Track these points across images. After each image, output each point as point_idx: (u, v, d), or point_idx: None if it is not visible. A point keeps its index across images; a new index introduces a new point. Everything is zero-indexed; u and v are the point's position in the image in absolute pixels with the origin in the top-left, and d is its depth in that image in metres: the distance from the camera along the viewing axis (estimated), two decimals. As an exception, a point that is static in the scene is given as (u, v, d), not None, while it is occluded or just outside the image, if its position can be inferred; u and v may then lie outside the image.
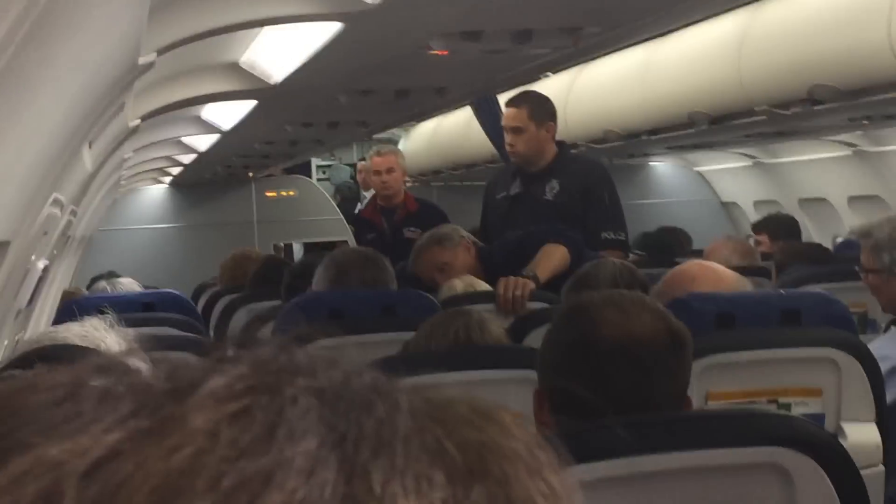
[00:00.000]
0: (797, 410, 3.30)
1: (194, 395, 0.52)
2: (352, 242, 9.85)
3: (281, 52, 4.08)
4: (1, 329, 2.66)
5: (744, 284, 3.53)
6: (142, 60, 2.18)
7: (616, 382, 2.33)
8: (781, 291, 3.98)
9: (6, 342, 3.11)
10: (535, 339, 4.05)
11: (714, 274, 3.53)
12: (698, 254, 6.75)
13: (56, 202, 2.64)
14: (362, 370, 0.55)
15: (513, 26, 3.41)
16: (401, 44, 3.51)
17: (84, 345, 2.36)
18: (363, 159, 12.61)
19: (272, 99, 4.69)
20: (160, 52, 2.53)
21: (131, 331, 2.35)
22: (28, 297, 3.14)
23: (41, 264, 3.17)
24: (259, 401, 0.51)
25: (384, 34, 3.30)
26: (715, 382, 3.20)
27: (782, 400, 3.33)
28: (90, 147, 2.94)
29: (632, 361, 2.34)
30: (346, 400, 0.53)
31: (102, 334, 2.33)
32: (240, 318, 5.60)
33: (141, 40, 1.90)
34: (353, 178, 14.09)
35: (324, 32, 3.31)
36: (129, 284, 6.12)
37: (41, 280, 3.47)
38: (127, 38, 1.72)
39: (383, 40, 3.42)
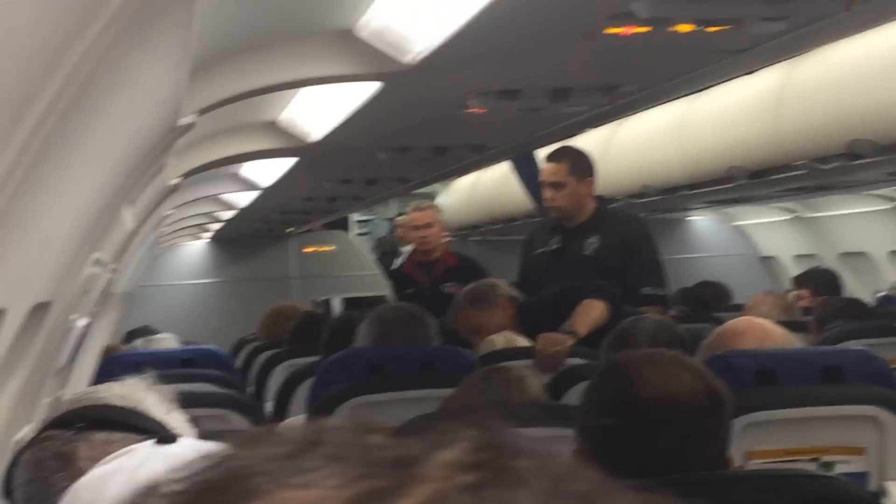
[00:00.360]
0: (840, 469, 3.26)
1: (424, 464, 0.54)
2: (391, 297, 9.86)
3: (320, 110, 4.11)
4: (40, 387, 2.67)
5: (791, 341, 3.51)
6: (182, 121, 2.21)
7: (655, 442, 2.31)
8: (822, 348, 3.95)
9: (46, 400, 3.13)
10: (574, 395, 4.04)
11: (761, 330, 3.51)
12: (739, 308, 6.72)
13: (97, 262, 2.66)
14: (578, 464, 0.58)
15: (550, 84, 3.43)
16: (439, 102, 3.53)
17: (123, 405, 2.36)
18: (401, 214, 12.65)
19: (311, 156, 4.73)
20: (201, 112, 2.56)
21: (171, 388, 2.35)
22: (68, 354, 3.16)
23: (82, 322, 3.19)
24: (490, 476, 0.53)
25: (422, 93, 3.32)
26: (756, 440, 3.18)
27: (825, 458, 3.29)
28: (131, 206, 2.97)
29: (671, 421, 2.32)
30: (567, 483, 0.54)
31: (142, 395, 2.34)
32: (279, 374, 5.61)
33: (182, 102, 1.92)
34: (391, 233, 14.13)
35: (363, 92, 3.33)
36: (165, 341, 6.14)
37: (82, 337, 3.49)
38: (168, 101, 1.74)
39: (421, 99, 3.45)
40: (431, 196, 11.58)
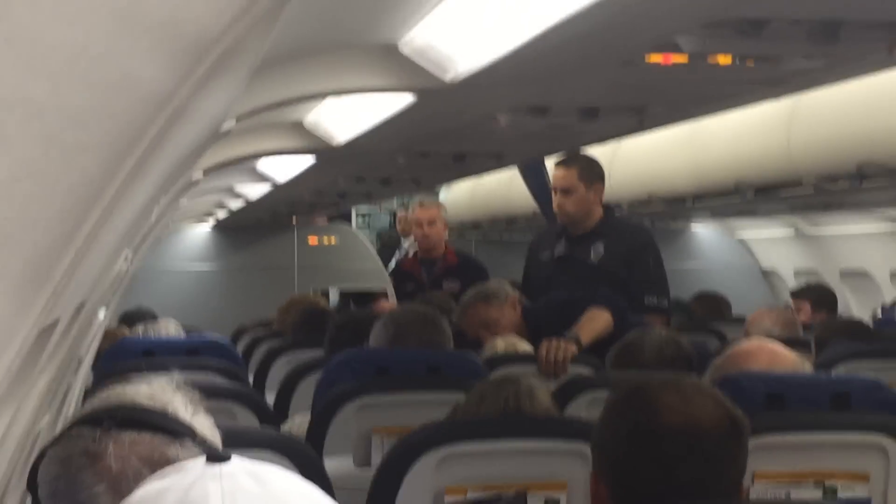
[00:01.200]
0: (844, 494, 3.29)
1: None
2: (391, 292, 9.86)
3: (347, 115, 4.11)
4: (63, 378, 2.69)
5: (802, 365, 3.52)
6: (224, 127, 2.23)
7: (678, 470, 2.33)
8: (831, 374, 3.97)
9: (62, 389, 3.14)
10: (580, 404, 4.07)
11: (771, 352, 3.53)
12: (740, 322, 6.74)
13: (125, 257, 2.68)
14: None
15: (580, 104, 3.44)
16: (469, 116, 3.55)
17: (152, 405, 2.37)
18: (403, 206, 12.64)
19: (330, 156, 4.74)
20: (239, 118, 2.58)
21: (196, 394, 2.36)
22: (89, 346, 3.18)
23: (102, 314, 3.21)
24: None
25: (454, 107, 3.33)
26: (762, 463, 3.20)
27: (829, 483, 3.31)
28: (158, 203, 2.99)
29: (693, 449, 2.34)
30: None
31: (170, 395, 2.35)
32: (280, 367, 5.62)
33: (229, 113, 1.94)
34: (391, 226, 14.13)
35: (395, 103, 3.35)
36: (166, 326, 6.12)
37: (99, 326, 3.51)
38: (221, 116, 1.76)
39: (452, 112, 3.46)
40: (435, 193, 11.58)
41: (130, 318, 7.90)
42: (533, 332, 5.18)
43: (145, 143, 0.95)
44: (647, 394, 2.44)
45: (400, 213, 11.80)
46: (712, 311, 8.36)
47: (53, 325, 1.56)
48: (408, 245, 11.83)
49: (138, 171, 1.15)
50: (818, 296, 7.76)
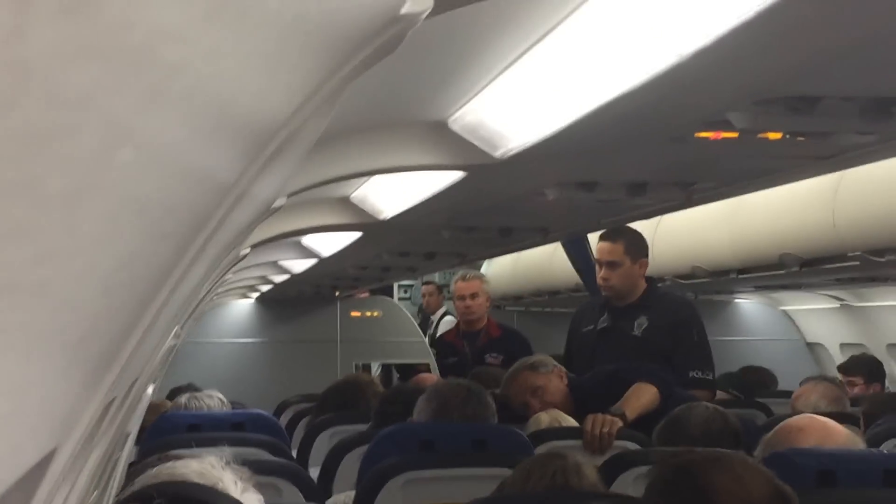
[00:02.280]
0: (899, 574, 3.24)
1: None
2: (433, 365, 9.85)
3: (394, 191, 4.13)
4: (113, 454, 2.69)
5: (854, 440, 3.49)
6: (275, 205, 2.24)
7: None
8: (884, 450, 3.92)
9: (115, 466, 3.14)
10: (626, 480, 4.03)
11: (823, 428, 3.49)
12: (786, 395, 6.68)
13: (175, 334, 2.69)
14: None
15: (628, 179, 3.45)
16: (516, 191, 3.56)
17: (202, 482, 2.37)
18: (428, 283, 12.65)
19: (376, 232, 4.76)
20: (290, 195, 2.60)
21: (246, 471, 2.36)
22: (138, 421, 3.18)
23: (150, 389, 3.22)
24: None
25: (502, 182, 3.34)
26: (815, 541, 3.16)
27: (882, 561, 3.27)
28: (208, 278, 3.00)
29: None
30: None
31: (220, 472, 2.35)
32: (324, 441, 5.60)
33: (282, 192, 1.96)
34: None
35: (443, 179, 3.36)
36: (211, 398, 6.12)
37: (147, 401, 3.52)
38: (273, 196, 1.77)
39: (501, 188, 3.47)
40: (477, 266, 11.60)
41: (178, 394, 7.91)
42: (579, 404, 5.16)
43: (209, 229, 0.96)
44: (698, 473, 2.40)
45: (423, 289, 11.74)
46: (758, 384, 8.29)
47: (111, 402, 1.56)
48: (435, 318, 11.87)
49: (200, 255, 1.16)
50: (870, 369, 7.69)
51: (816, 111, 2.32)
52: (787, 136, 2.62)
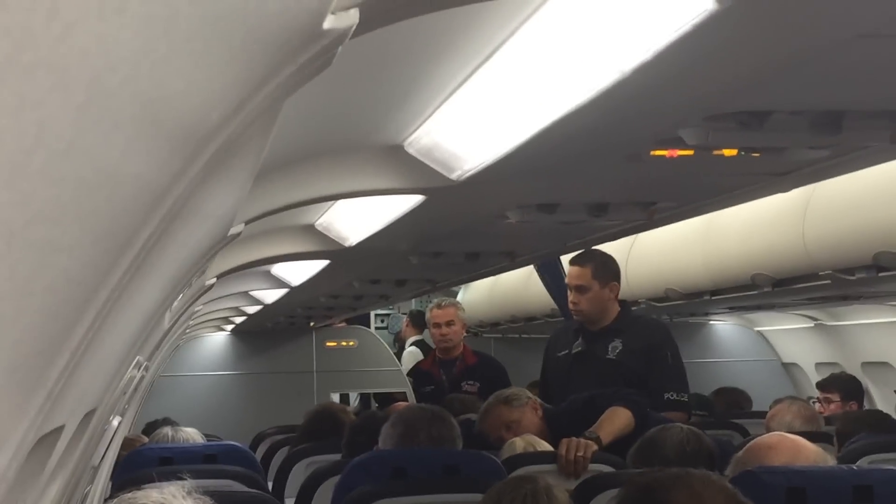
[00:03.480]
0: (869, 591, 3.24)
1: None
2: (410, 394, 9.83)
3: (357, 217, 4.14)
4: (76, 488, 2.67)
5: (824, 458, 3.49)
6: (232, 231, 2.24)
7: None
8: (854, 467, 3.93)
9: (76, 498, 3.12)
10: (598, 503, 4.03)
11: (793, 446, 3.50)
12: (761, 415, 6.69)
13: (137, 364, 2.68)
14: None
15: (589, 200, 3.46)
16: (478, 214, 3.57)
17: (162, 512, 2.35)
18: (406, 313, 12.68)
19: (344, 259, 4.76)
20: (248, 222, 2.59)
21: (196, 485, 2.34)
22: (102, 453, 3.16)
23: (115, 422, 3.20)
24: None
25: (463, 206, 3.35)
26: (785, 559, 3.16)
27: (853, 579, 3.26)
28: (170, 308, 2.99)
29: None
30: None
31: (181, 501, 2.33)
32: (299, 471, 5.59)
33: (236, 217, 1.95)
34: (399, 331, 14.08)
35: (404, 203, 3.37)
36: (190, 434, 6.12)
37: (112, 434, 3.50)
38: (227, 218, 1.77)
39: (462, 211, 3.48)
40: (453, 293, 11.59)
41: (153, 428, 7.89)
42: (555, 435, 5.15)
43: (139, 243, 0.96)
44: (657, 492, 2.40)
45: (405, 319, 11.75)
46: (732, 405, 8.31)
47: (57, 432, 1.54)
48: (408, 345, 11.91)
49: (137, 273, 1.15)
50: (847, 387, 7.71)
51: (767, 126, 2.33)
52: (742, 153, 2.63)
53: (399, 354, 11.98)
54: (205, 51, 0.78)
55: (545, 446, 4.98)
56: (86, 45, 0.58)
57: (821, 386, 7.96)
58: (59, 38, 0.56)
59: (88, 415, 2.10)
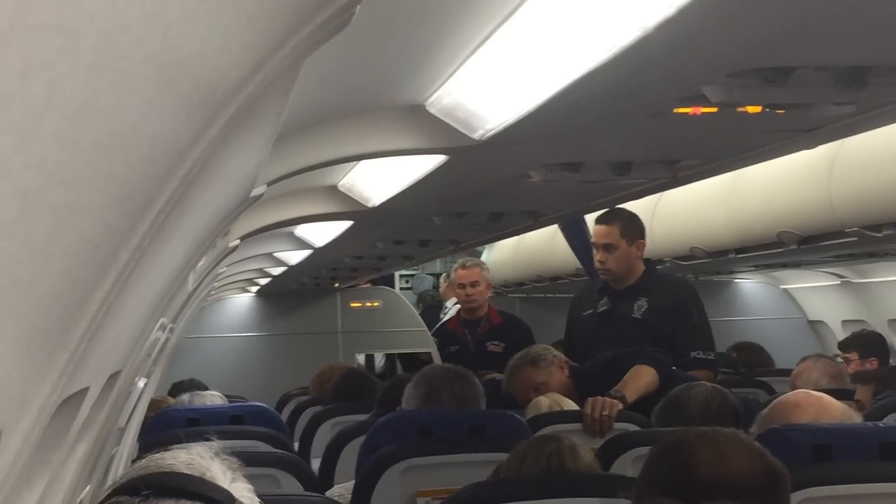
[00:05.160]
0: (895, 546, 3.23)
1: None
2: (435, 354, 9.85)
3: (381, 178, 4.13)
4: (103, 448, 2.69)
5: (850, 415, 3.48)
6: (254, 192, 2.24)
7: (715, 522, 2.31)
8: (880, 424, 3.92)
9: (104, 459, 3.14)
10: (624, 462, 4.03)
11: (818, 403, 3.49)
12: (787, 374, 6.68)
13: (161, 326, 2.69)
14: None
15: (613, 158, 3.44)
16: (501, 174, 3.55)
17: (190, 472, 2.36)
18: (444, 275, 12.64)
19: (367, 219, 4.76)
20: (269, 183, 2.59)
21: (221, 445, 2.35)
22: (128, 416, 3.18)
23: (141, 383, 3.22)
24: None
25: (486, 165, 3.34)
26: (811, 515, 3.16)
27: (880, 534, 3.26)
28: (194, 270, 3.00)
29: (729, 501, 2.32)
30: None
31: (208, 462, 2.34)
32: (325, 432, 5.62)
33: (258, 177, 1.95)
34: (435, 287, 14.12)
35: (427, 163, 3.36)
36: (212, 397, 6.15)
37: (139, 396, 3.52)
38: (248, 179, 1.77)
39: (485, 171, 3.47)
40: (477, 253, 11.58)
41: (179, 389, 7.94)
42: (582, 392, 5.16)
43: (158, 204, 0.96)
44: (683, 447, 2.42)
45: (443, 278, 11.73)
46: (751, 360, 8.30)
47: (82, 393, 1.55)
48: (450, 305, 11.83)
49: (158, 234, 1.16)
50: (866, 344, 7.68)
51: (791, 82, 2.31)
52: (766, 110, 2.61)
53: (425, 315, 11.97)
54: (219, 11, 0.78)
55: (570, 405, 4.98)
56: (93, 6, 0.58)
57: (841, 346, 7.93)
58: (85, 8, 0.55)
59: (113, 376, 2.11)
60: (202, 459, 2.39)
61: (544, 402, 4.99)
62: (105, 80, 0.66)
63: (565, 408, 4.95)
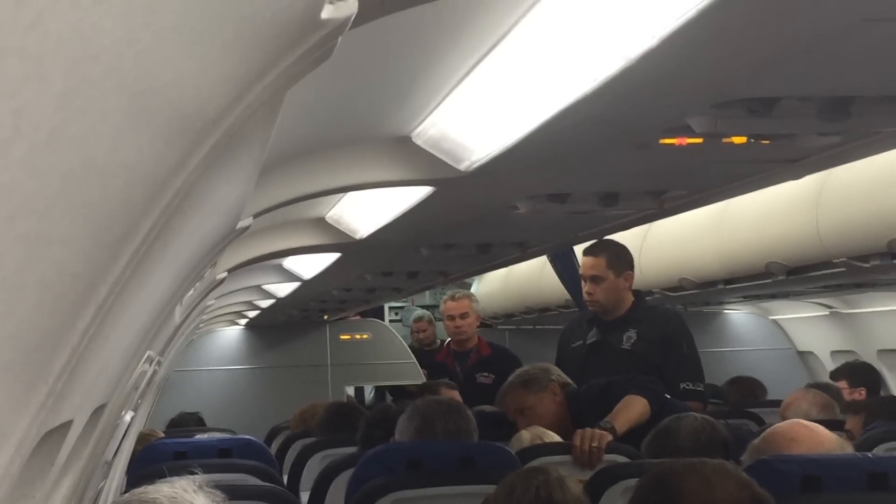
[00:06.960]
0: (884, 578, 3.23)
1: None
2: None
3: (368, 209, 4.14)
4: (89, 482, 2.67)
5: (843, 447, 3.47)
6: (240, 224, 2.24)
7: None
8: (869, 454, 3.91)
9: (91, 493, 3.12)
10: (614, 494, 4.02)
11: (810, 434, 3.48)
12: (777, 405, 6.67)
13: (148, 359, 2.68)
14: None
15: (599, 189, 3.45)
16: (488, 205, 3.56)
17: (173, 506, 2.35)
18: (419, 319, 12.50)
19: (355, 251, 4.75)
20: (256, 215, 2.59)
21: (210, 479, 2.34)
22: (115, 449, 3.17)
23: (128, 417, 3.21)
24: None
25: (473, 197, 3.34)
26: (801, 546, 3.15)
27: (870, 567, 3.25)
28: (181, 302, 3.00)
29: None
30: None
31: (192, 496, 2.33)
32: (314, 465, 5.60)
33: (244, 209, 1.95)
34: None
35: (413, 194, 3.36)
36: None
37: (126, 429, 3.51)
38: (233, 210, 1.77)
39: (471, 202, 3.47)
40: (467, 284, 11.56)
41: (176, 425, 7.93)
42: (577, 416, 5.15)
43: (139, 235, 0.95)
44: (671, 479, 2.42)
45: (415, 325, 11.40)
46: (746, 394, 8.29)
47: (65, 427, 1.54)
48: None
49: (140, 266, 1.15)
50: (853, 374, 7.69)
51: (775, 112, 2.32)
52: (752, 140, 2.62)
53: (413, 348, 11.94)
54: (194, 40, 0.78)
55: (552, 437, 4.98)
56: (60, 34, 0.58)
57: (832, 376, 7.94)
58: (30, 25, 0.55)
59: (98, 410, 2.10)
60: (185, 493, 2.38)
61: (526, 437, 4.99)
62: (75, 108, 0.66)
63: (547, 440, 4.95)
